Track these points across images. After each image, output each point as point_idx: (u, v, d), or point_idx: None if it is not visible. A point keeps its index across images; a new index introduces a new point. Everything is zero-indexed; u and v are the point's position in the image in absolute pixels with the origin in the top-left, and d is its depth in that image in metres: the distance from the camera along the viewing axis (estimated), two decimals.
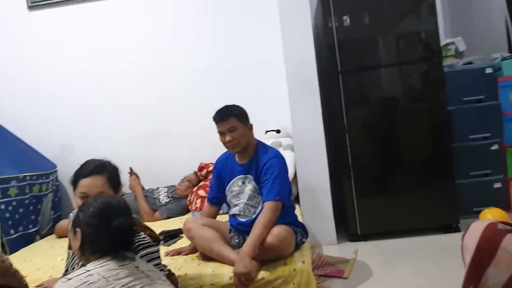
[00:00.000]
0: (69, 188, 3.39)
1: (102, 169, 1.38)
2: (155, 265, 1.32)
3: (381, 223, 2.58)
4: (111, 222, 1.11)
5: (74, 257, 1.41)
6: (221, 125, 1.90)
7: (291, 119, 2.61)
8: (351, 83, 2.58)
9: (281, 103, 2.87)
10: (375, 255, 2.34)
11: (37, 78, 3.39)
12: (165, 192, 3.07)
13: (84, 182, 1.34)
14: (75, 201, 1.37)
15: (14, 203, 2.66)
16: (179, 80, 3.27)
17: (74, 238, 1.16)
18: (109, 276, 1.04)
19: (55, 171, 3.18)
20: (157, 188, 3.10)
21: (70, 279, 1.03)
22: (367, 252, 2.38)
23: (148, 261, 1.29)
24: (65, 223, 2.71)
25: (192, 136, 3.24)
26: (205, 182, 2.99)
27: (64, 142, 3.41)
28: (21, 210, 2.70)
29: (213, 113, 1.94)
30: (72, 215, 1.50)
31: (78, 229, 1.14)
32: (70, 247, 1.44)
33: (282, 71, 2.64)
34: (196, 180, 3.11)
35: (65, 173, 3.32)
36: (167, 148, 3.21)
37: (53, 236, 2.77)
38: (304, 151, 2.59)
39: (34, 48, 3.38)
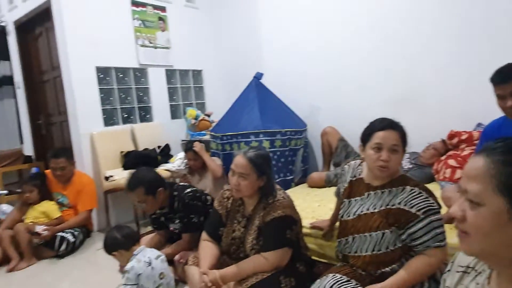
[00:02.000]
0: (315, 145, 3.82)
1: (396, 126, 1.44)
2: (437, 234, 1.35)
3: None
4: None
5: (350, 205, 1.58)
6: (502, 88, 1.64)
7: None
8: None
9: None
10: None
11: (292, 46, 3.87)
12: (407, 158, 3.00)
13: (380, 134, 1.42)
14: (365, 154, 1.49)
15: (278, 153, 3.22)
16: (431, 40, 3.02)
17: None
18: None
19: (306, 130, 3.62)
20: None
21: None
22: None
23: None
24: (316, 175, 3.10)
25: (443, 101, 2.99)
26: (455, 152, 2.74)
27: (313, 104, 3.81)
28: (282, 159, 3.25)
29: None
30: (349, 166, 1.66)
31: None
32: (347, 197, 1.60)
33: None
34: (443, 148, 2.89)
35: (312, 132, 3.74)
36: (414, 113, 3.07)
37: (304, 185, 3.19)
38: None
39: (288, 20, 3.85)
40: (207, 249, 1.81)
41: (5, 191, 3.60)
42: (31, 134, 4.09)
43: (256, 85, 3.57)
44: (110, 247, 1.92)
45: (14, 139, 4.21)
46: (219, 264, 1.78)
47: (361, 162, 1.61)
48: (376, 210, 1.46)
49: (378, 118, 1.49)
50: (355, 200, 1.55)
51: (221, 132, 3.38)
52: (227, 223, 1.84)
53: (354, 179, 1.60)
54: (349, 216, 1.55)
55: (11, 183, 4.04)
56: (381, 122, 1.46)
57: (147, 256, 1.88)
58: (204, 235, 1.87)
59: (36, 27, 3.88)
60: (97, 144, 3.41)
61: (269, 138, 3.20)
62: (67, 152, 3.14)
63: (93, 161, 3.44)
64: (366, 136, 1.48)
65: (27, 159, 4.00)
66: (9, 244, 2.73)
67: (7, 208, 3.24)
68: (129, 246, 1.90)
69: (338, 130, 3.43)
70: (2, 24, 4.03)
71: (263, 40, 4.12)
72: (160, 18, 4.07)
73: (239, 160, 1.70)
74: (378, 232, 1.44)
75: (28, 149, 4.12)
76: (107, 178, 3.28)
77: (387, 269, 1.43)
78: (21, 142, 4.19)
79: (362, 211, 1.51)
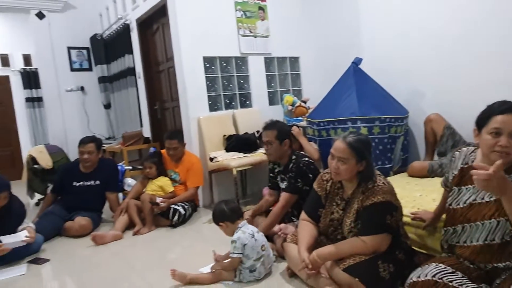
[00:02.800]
0: (417, 133, 3.61)
1: None
2: None
3: None
4: None
5: (460, 193, 1.50)
6: None
7: None
8: None
9: None
10: None
11: (393, 29, 3.68)
12: None
13: (499, 118, 1.33)
14: (480, 139, 1.40)
15: (376, 140, 3.15)
16: None
17: None
18: None
19: (407, 116, 3.44)
20: None
21: None
22: None
23: None
24: (418, 164, 2.96)
25: None
26: None
27: (416, 89, 3.59)
28: (380, 147, 3.17)
29: None
30: (460, 152, 1.57)
31: None
32: (457, 184, 1.51)
33: None
34: None
35: (414, 119, 3.55)
36: None
37: (404, 174, 3.07)
38: None
39: (388, 3, 3.65)
40: (306, 229, 1.90)
41: (129, 167, 4.20)
42: (149, 118, 4.68)
43: (355, 71, 3.50)
44: (217, 218, 2.14)
45: (135, 122, 4.86)
46: (316, 244, 1.87)
47: (475, 149, 1.51)
48: (492, 199, 1.37)
49: (498, 100, 1.38)
50: (466, 188, 1.47)
51: (318, 118, 3.42)
52: (326, 204, 1.91)
53: (466, 166, 1.50)
54: (458, 205, 1.48)
55: (133, 160, 4.68)
56: (502, 105, 1.35)
57: (250, 229, 2.07)
58: (303, 215, 1.97)
59: (154, 23, 4.37)
60: (203, 127, 3.75)
61: (367, 125, 3.14)
62: (179, 134, 3.53)
63: (200, 143, 3.79)
64: (482, 120, 1.38)
65: (146, 140, 4.58)
66: (135, 211, 3.21)
67: (131, 181, 3.79)
68: (234, 219, 2.10)
69: (444, 117, 3.20)
70: (127, 22, 4.63)
71: (362, 24, 4.00)
72: (260, 8, 4.22)
73: (339, 145, 1.74)
74: (493, 220, 1.35)
75: (147, 131, 4.72)
76: (211, 159, 3.60)
77: (499, 264, 1.34)
78: (141, 125, 4.81)
79: (475, 200, 1.42)
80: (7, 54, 6.75)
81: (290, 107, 4.18)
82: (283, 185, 2.49)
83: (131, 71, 4.77)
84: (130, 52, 4.73)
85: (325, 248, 1.75)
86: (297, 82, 4.64)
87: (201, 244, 2.87)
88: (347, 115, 3.22)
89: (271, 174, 2.65)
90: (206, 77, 3.86)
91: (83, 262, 2.68)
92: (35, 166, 4.55)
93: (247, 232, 2.03)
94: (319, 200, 1.92)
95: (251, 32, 4.16)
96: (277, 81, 4.46)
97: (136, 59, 4.69)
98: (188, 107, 3.76)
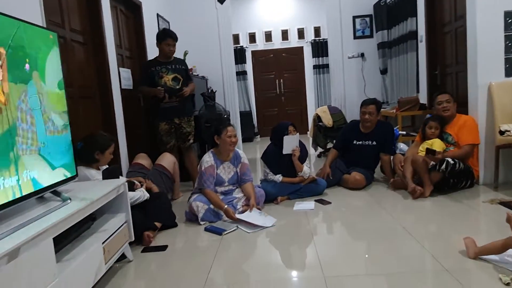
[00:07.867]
0: None
1: None
2: None
3: None
4: None
5: None
6: None
7: None
8: None
9: None
10: None
11: None
12: None
13: None
14: None
15: None
16: None
17: None
18: None
19: None
20: None
21: None
22: None
23: None
24: None
25: None
26: None
27: None
28: None
29: None
30: None
31: None
32: None
33: None
34: None
35: None
36: None
37: None
38: None
39: None
40: None
41: (403, 132, 4.26)
42: (427, 84, 4.49)
43: None
44: None
45: (412, 88, 4.79)
46: None
47: None
48: None
49: None
50: None
51: None
52: None
53: None
54: None
55: (406, 126, 4.70)
56: None
57: None
58: None
59: None
60: (495, 95, 3.26)
61: None
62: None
63: (488, 112, 3.34)
64: None
65: (422, 107, 4.45)
66: (410, 173, 3.24)
67: (403, 146, 3.86)
68: None
69: None
70: None
71: None
72: None
73: None
74: None
75: (423, 98, 4.57)
76: (502, 132, 3.13)
77: None
78: (417, 91, 4.70)
79: None
80: (303, 28, 8.04)
81: None
82: None
83: (412, 35, 4.66)
84: (414, 15, 4.59)
85: None
86: None
87: (475, 224, 2.64)
88: None
89: None
90: (505, 35, 3.29)
91: (355, 211, 3.06)
92: (320, 123, 5.38)
93: None
94: None
95: None
96: None
97: (420, 22, 4.52)
98: (477, 72, 3.35)
